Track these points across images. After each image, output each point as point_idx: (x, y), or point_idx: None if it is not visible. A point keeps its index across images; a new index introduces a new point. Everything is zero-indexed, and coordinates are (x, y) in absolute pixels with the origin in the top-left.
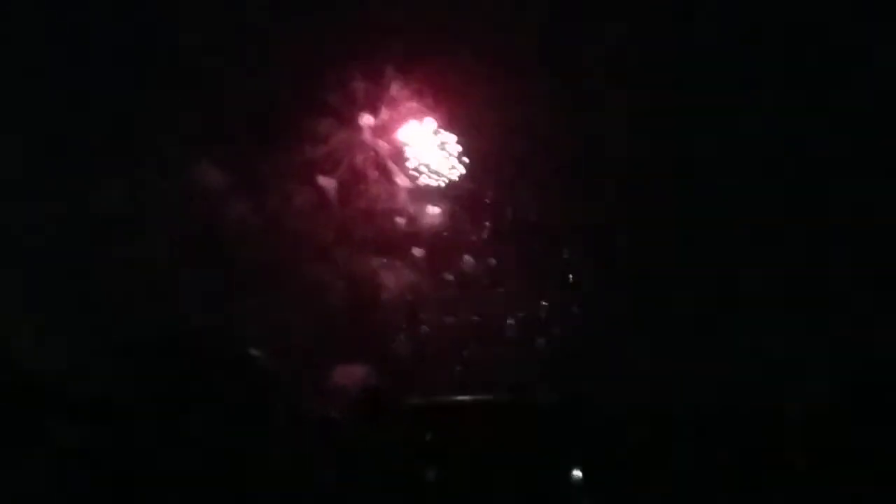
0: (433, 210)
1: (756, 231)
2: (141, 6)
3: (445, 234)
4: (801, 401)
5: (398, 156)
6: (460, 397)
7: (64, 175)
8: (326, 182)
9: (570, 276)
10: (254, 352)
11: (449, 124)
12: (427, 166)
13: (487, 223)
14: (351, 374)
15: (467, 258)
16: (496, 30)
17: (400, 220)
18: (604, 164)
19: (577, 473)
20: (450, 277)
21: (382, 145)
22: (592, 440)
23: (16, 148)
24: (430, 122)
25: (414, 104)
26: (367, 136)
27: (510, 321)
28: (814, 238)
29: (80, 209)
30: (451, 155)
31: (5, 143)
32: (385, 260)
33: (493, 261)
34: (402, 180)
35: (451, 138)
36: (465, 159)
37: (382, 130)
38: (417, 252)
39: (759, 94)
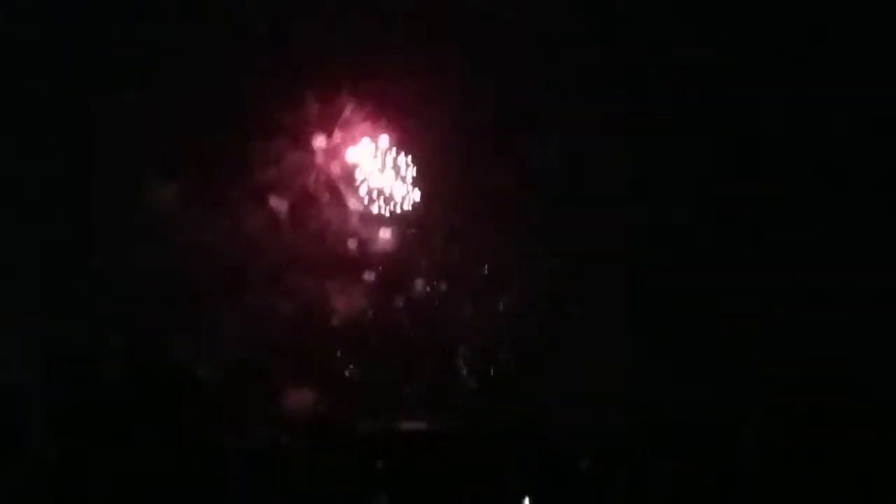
0: (384, 233)
1: None
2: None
3: (397, 257)
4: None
5: (350, 178)
6: (411, 424)
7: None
8: (278, 203)
9: (524, 301)
10: (203, 375)
11: (402, 146)
12: (379, 189)
13: (439, 246)
14: (300, 399)
15: (418, 282)
16: (453, 52)
17: (351, 243)
18: (558, 190)
19: (527, 502)
20: (400, 302)
21: (334, 167)
22: (543, 467)
23: None
24: (382, 144)
25: (367, 126)
26: (319, 158)
27: (461, 346)
28: None
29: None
30: (403, 177)
31: None
32: (335, 283)
33: (443, 285)
34: (353, 203)
35: (403, 160)
36: (418, 182)
37: (334, 152)
38: (368, 276)
39: None
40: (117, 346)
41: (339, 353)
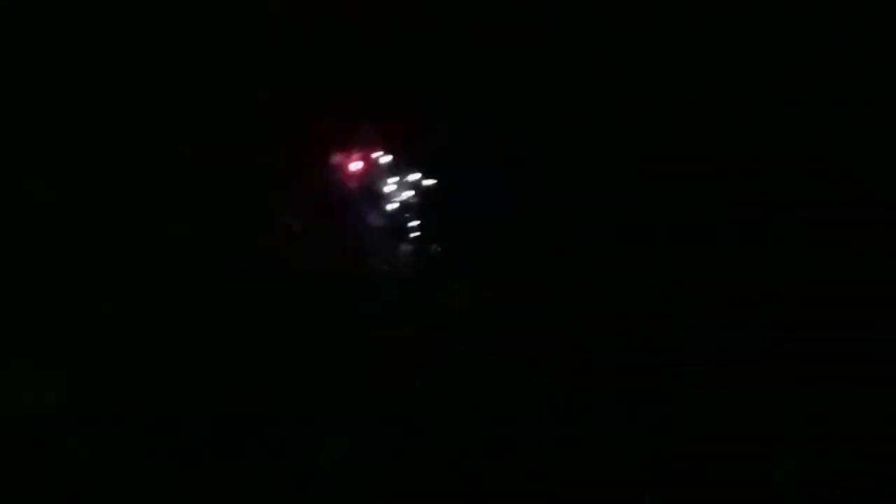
0: (402, 249)
1: None
2: None
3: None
4: None
5: (363, 194)
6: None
7: None
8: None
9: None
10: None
11: (414, 163)
12: (394, 205)
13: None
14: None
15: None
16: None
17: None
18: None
19: None
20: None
21: (348, 183)
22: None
23: None
24: (396, 161)
25: (380, 142)
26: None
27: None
28: None
29: None
30: (415, 193)
31: None
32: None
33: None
34: (370, 218)
35: (416, 177)
36: (431, 198)
37: (348, 168)
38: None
39: None
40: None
41: (358, 368)
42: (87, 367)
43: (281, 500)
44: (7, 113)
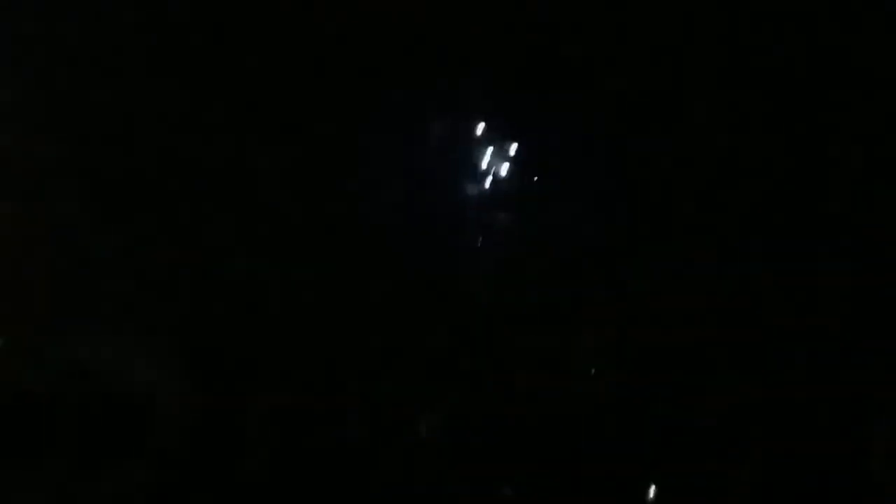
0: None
1: None
2: None
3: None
4: None
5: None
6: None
7: None
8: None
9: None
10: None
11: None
12: (487, 172)
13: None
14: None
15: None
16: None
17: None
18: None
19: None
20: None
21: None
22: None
23: None
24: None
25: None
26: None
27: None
28: None
29: None
30: (508, 161)
31: None
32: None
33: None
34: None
35: (508, 144)
36: (522, 165)
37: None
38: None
39: None
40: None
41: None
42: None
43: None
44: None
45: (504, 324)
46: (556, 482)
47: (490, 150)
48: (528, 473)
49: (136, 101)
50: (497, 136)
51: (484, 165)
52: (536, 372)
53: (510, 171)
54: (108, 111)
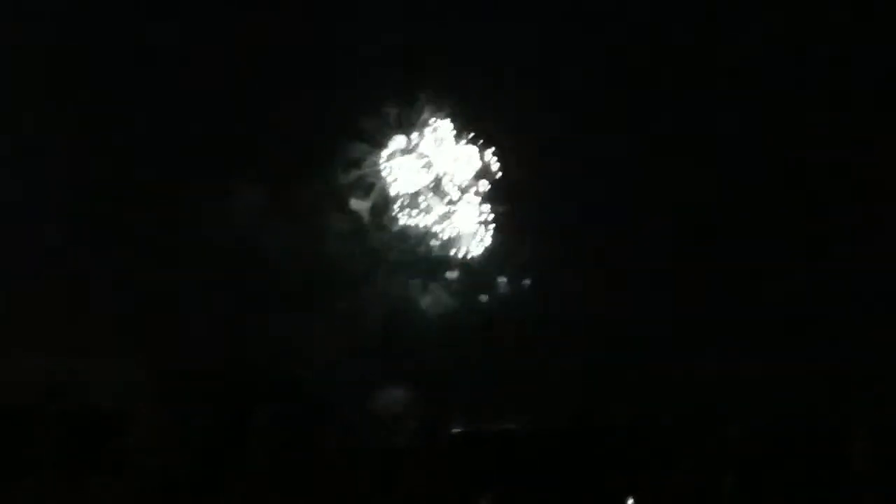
0: (468, 232)
1: None
2: None
3: (480, 256)
4: None
5: (433, 178)
6: (508, 425)
7: None
8: (360, 206)
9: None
10: (300, 379)
11: (484, 145)
12: (461, 188)
13: (523, 243)
14: (395, 401)
15: (502, 280)
16: (534, 53)
17: (435, 243)
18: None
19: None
20: (484, 299)
21: (417, 168)
22: (645, 466)
23: None
24: (465, 144)
25: (449, 126)
26: (400, 159)
27: (547, 344)
28: None
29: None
30: (486, 176)
31: None
32: (420, 283)
33: (528, 281)
34: (436, 203)
35: (488, 159)
36: (501, 180)
37: (416, 153)
38: (451, 275)
39: None
40: (212, 354)
41: (426, 353)
42: None
43: None
44: None
45: None
46: None
47: None
48: None
49: None
50: None
51: None
52: None
53: None
54: None
